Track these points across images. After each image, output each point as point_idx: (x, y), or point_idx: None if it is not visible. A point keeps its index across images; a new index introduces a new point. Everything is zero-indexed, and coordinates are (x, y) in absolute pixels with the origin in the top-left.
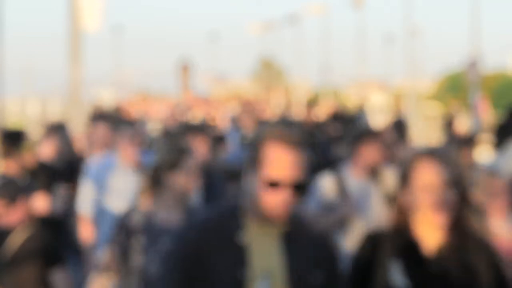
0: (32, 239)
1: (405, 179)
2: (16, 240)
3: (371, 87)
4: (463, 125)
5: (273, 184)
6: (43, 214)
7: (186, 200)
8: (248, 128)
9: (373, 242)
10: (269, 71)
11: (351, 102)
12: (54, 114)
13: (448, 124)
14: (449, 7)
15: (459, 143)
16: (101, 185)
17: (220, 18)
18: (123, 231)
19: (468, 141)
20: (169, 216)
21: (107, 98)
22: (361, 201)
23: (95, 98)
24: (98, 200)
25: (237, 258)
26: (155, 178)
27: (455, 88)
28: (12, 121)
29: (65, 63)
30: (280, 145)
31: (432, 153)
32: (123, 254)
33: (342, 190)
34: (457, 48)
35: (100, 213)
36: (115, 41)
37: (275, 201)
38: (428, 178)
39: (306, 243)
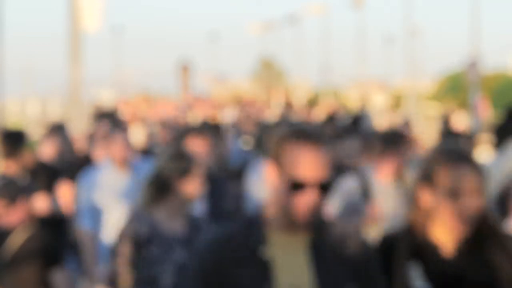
0: (32, 239)
1: (427, 179)
2: (16, 240)
3: (371, 87)
4: (462, 125)
5: (298, 185)
6: (44, 214)
7: (189, 208)
8: (249, 130)
9: (389, 245)
10: (269, 71)
11: (351, 102)
12: (54, 114)
13: (445, 123)
14: (449, 7)
15: (457, 142)
16: (98, 191)
17: (220, 18)
18: (128, 240)
19: (466, 140)
20: (173, 224)
21: (107, 98)
22: (385, 204)
23: (95, 98)
24: (95, 207)
25: (261, 274)
26: (161, 185)
27: (455, 88)
28: (12, 121)
29: (65, 63)
30: (302, 143)
31: (460, 156)
32: (130, 265)
33: (367, 192)
34: (457, 48)
35: (98, 221)
36: (115, 41)
37: (301, 204)
38: (455, 182)
39: (336, 252)
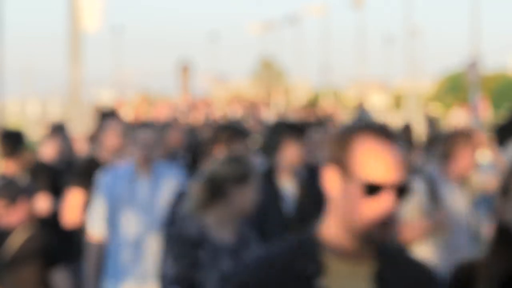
0: (32, 240)
1: (506, 192)
2: (16, 241)
3: (371, 87)
4: (461, 124)
5: (374, 189)
6: (44, 215)
7: (240, 217)
8: (253, 131)
9: (467, 277)
10: (269, 71)
11: (351, 102)
12: (54, 114)
13: (431, 126)
14: (449, 7)
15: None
16: (115, 199)
17: (220, 18)
18: (187, 242)
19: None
20: (221, 231)
21: (107, 98)
22: (451, 208)
23: (95, 98)
24: (111, 213)
25: None
26: (215, 189)
27: (455, 88)
28: (12, 121)
29: (65, 63)
30: (377, 140)
31: None
32: (192, 268)
33: (435, 196)
34: (457, 48)
35: (111, 227)
36: (115, 41)
37: (377, 211)
38: None
39: (403, 283)
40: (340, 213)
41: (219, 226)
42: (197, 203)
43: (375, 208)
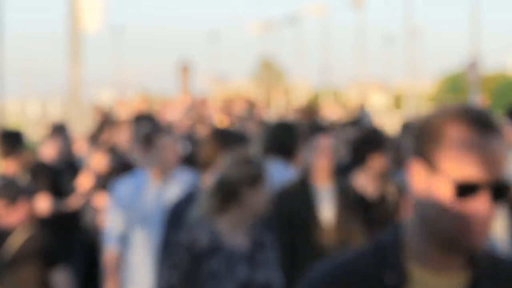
0: (32, 240)
1: None
2: (16, 241)
3: (371, 87)
4: None
5: (468, 189)
6: (44, 215)
7: (253, 220)
8: (253, 131)
9: None
10: (269, 71)
11: (351, 102)
12: (54, 114)
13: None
14: (449, 7)
15: None
16: (129, 210)
17: (220, 18)
18: (188, 253)
19: None
20: (235, 237)
21: (107, 98)
22: None
23: (95, 98)
24: (128, 225)
25: None
26: (227, 193)
27: (455, 88)
28: (12, 121)
29: (65, 63)
30: (473, 129)
31: None
32: (186, 281)
33: None
34: (457, 48)
35: (129, 242)
36: (115, 41)
37: (470, 215)
38: None
39: None
40: (425, 215)
41: (233, 231)
42: (209, 208)
43: (467, 211)
